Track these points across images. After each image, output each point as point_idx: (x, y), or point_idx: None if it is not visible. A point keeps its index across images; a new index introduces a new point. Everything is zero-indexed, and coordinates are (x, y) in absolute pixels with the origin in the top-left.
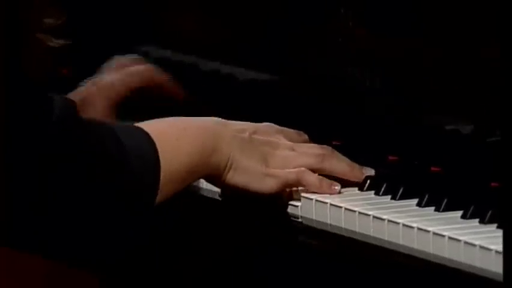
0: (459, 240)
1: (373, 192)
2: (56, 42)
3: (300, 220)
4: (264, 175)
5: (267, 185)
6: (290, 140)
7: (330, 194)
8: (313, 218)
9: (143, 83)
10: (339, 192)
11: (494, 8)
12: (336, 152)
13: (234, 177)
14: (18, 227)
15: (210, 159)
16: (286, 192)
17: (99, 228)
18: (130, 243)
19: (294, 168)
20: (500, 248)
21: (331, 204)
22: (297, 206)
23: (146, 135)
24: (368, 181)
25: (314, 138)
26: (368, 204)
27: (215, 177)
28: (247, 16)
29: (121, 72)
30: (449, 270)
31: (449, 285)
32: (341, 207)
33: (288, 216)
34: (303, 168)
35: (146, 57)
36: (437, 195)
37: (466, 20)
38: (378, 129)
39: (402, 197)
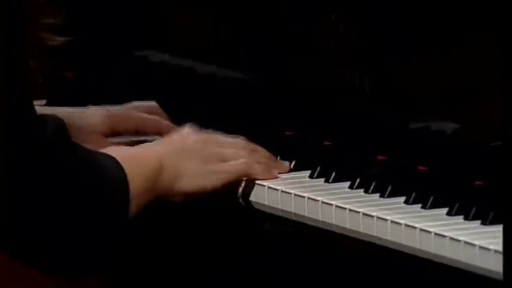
0: (444, 236)
1: (362, 190)
2: (56, 40)
3: (292, 217)
4: (212, 172)
5: (217, 181)
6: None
7: (281, 172)
8: (306, 215)
9: (149, 130)
10: (290, 170)
11: (475, 13)
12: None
13: (184, 184)
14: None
15: (162, 173)
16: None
17: (83, 237)
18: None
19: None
20: (483, 243)
21: (322, 202)
22: (289, 204)
23: (111, 157)
24: (358, 180)
25: (306, 138)
26: (358, 201)
27: (170, 190)
28: (242, 21)
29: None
30: (435, 264)
31: (435, 279)
32: (331, 204)
33: (280, 213)
34: (246, 160)
35: (145, 61)
36: (424, 193)
37: (453, 24)
38: (367, 130)
39: (390, 195)
